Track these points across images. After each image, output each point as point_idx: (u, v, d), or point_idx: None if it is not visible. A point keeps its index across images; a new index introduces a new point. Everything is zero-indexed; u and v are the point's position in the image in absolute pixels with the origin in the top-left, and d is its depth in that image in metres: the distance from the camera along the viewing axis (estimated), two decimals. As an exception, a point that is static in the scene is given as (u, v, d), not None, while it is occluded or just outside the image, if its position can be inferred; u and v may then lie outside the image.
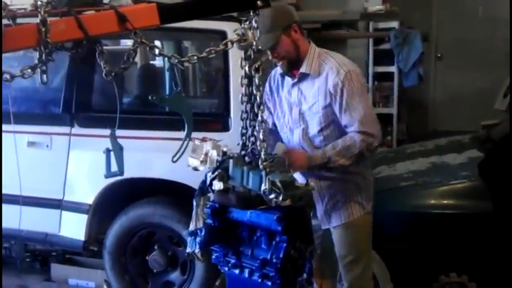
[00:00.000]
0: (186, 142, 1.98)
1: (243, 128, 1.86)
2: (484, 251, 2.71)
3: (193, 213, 2.06)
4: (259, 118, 1.77)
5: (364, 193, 2.37)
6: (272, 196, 1.68)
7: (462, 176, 2.95)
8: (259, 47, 2.15)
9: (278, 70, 2.42)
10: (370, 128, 2.21)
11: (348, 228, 2.35)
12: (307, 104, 2.30)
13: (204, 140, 2.90)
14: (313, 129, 2.29)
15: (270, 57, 2.26)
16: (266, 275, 1.76)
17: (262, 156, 1.74)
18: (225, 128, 3.05)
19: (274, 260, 1.74)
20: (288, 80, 2.36)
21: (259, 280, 1.78)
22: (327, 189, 2.34)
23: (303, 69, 2.28)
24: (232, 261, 1.86)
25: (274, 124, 2.47)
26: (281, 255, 1.72)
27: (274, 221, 1.72)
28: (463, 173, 2.99)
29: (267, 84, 2.45)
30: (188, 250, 2.07)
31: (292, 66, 2.30)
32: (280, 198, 1.67)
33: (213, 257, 1.93)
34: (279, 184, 1.67)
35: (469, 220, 2.77)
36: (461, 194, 2.87)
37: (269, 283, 1.75)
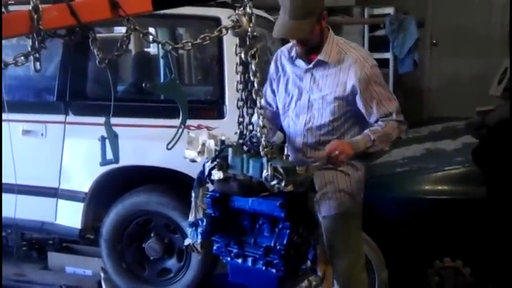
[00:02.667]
0: (181, 129, 1.98)
1: (239, 116, 1.85)
2: (478, 237, 2.73)
3: (193, 204, 2.05)
4: (258, 104, 1.76)
5: (354, 183, 2.34)
6: (274, 182, 1.68)
7: (456, 162, 2.96)
8: (289, 36, 2.14)
9: (285, 51, 2.34)
10: (402, 117, 2.24)
11: (337, 219, 2.33)
12: (319, 93, 2.23)
13: (199, 127, 2.92)
14: (324, 118, 2.23)
15: (294, 42, 2.20)
16: (270, 263, 1.76)
17: (263, 142, 1.74)
18: (220, 115, 3.04)
19: (277, 247, 1.73)
20: (300, 64, 2.28)
21: (263, 268, 1.77)
22: (317, 179, 2.27)
23: (321, 57, 2.20)
24: (235, 250, 1.85)
25: (277, 107, 2.41)
26: (285, 242, 1.72)
27: (277, 207, 1.72)
28: (457, 158, 3.00)
29: (272, 64, 2.39)
30: (187, 242, 2.04)
31: (310, 51, 2.22)
32: (283, 184, 1.67)
33: (215, 247, 1.92)
34: (281, 170, 1.67)
35: (464, 206, 2.78)
36: (456, 180, 2.88)
37: (273, 270, 1.75)
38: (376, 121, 2.22)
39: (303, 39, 2.16)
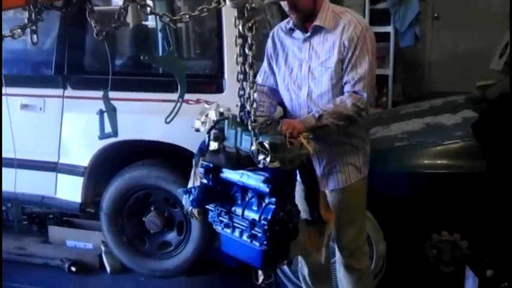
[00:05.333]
0: (179, 103, 1.98)
1: (240, 89, 1.84)
2: (477, 210, 2.75)
3: (192, 172, 2.07)
4: (251, 78, 1.76)
5: (362, 156, 2.36)
6: (260, 157, 1.68)
7: (456, 136, 2.96)
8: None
9: (282, 26, 2.34)
10: (363, 90, 2.16)
11: (344, 193, 2.35)
12: (318, 60, 2.23)
13: (198, 101, 2.92)
14: (324, 86, 2.22)
15: (287, 8, 2.17)
16: (254, 236, 1.77)
17: (252, 117, 1.73)
18: (219, 89, 3.02)
19: (261, 222, 1.74)
20: (298, 35, 2.28)
21: (249, 241, 1.79)
22: (325, 152, 2.31)
23: (317, 22, 2.20)
24: (225, 221, 1.87)
25: (276, 83, 2.40)
26: (269, 217, 1.73)
27: (262, 183, 1.73)
28: (457, 133, 2.99)
29: (269, 40, 2.38)
30: (185, 208, 2.09)
31: (306, 19, 2.22)
32: (268, 159, 1.67)
33: (209, 216, 1.95)
34: (267, 145, 1.67)
35: (462, 180, 2.79)
36: (455, 154, 2.88)
37: (257, 244, 1.77)
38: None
39: (298, 7, 2.16)
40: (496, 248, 2.68)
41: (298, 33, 2.28)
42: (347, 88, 2.20)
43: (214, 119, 1.95)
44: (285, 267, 2.94)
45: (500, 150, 2.63)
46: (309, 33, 2.24)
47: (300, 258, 2.58)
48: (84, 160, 3.25)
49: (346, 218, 2.38)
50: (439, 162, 2.92)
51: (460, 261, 2.81)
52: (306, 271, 2.60)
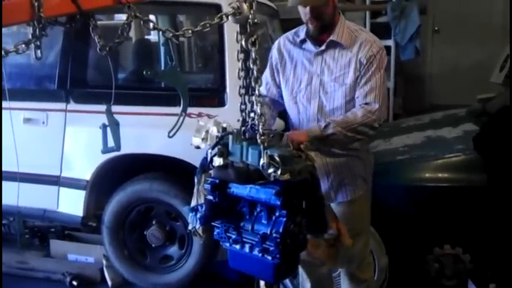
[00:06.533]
0: (182, 117, 1.99)
1: (241, 103, 1.85)
2: (478, 224, 2.75)
3: (195, 189, 2.07)
4: (257, 92, 1.77)
5: (368, 167, 2.37)
6: (270, 170, 1.69)
7: (457, 150, 2.96)
8: (308, 2, 2.12)
9: (289, 36, 2.34)
10: (375, 100, 2.16)
11: (352, 204, 2.34)
12: (331, 75, 2.23)
13: (200, 115, 2.93)
14: (337, 101, 2.22)
15: (308, 16, 2.17)
16: (266, 250, 1.77)
17: (260, 130, 1.75)
18: (221, 103, 3.04)
19: (273, 235, 1.74)
20: (310, 47, 2.28)
21: (260, 255, 1.79)
22: (333, 165, 2.30)
23: (333, 37, 2.21)
24: (233, 236, 1.86)
25: (279, 94, 2.39)
26: (280, 230, 1.73)
27: (273, 196, 1.73)
28: (458, 146, 3.00)
29: (274, 51, 2.37)
30: (190, 227, 2.08)
31: (323, 30, 2.22)
32: (279, 172, 1.68)
33: (215, 233, 1.94)
34: (277, 158, 1.68)
35: (464, 193, 2.79)
36: (456, 167, 2.89)
37: (269, 258, 1.77)
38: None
39: (319, 13, 2.17)
40: (498, 262, 2.67)
41: (309, 46, 2.28)
42: (359, 101, 2.20)
43: (217, 134, 1.95)
44: (287, 281, 2.93)
45: (502, 163, 2.63)
46: (323, 47, 2.24)
47: (300, 271, 2.57)
48: (86, 174, 3.26)
49: (354, 229, 2.36)
50: (440, 175, 2.92)
51: (462, 275, 2.80)
52: (308, 285, 2.59)
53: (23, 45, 1.58)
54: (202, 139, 2.01)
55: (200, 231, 2.03)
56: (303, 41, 2.29)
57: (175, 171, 3.17)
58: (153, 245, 3.31)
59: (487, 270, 2.66)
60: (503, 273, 2.54)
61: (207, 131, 2.00)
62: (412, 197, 2.87)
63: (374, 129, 2.16)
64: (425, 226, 2.82)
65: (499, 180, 2.63)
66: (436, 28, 6.83)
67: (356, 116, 2.13)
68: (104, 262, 3.50)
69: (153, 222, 3.30)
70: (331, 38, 2.22)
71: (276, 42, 2.41)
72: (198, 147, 2.05)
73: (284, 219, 1.74)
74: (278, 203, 1.73)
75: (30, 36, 1.58)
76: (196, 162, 2.08)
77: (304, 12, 2.19)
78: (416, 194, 2.86)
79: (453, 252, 2.82)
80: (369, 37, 2.24)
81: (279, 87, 2.39)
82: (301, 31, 2.30)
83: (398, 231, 2.84)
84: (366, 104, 2.17)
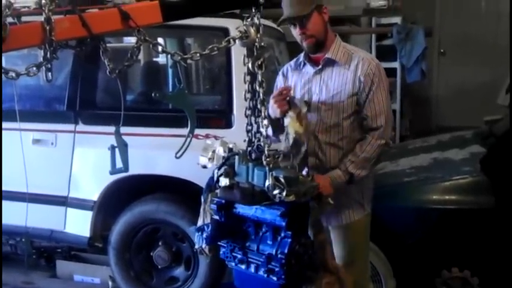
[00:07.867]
0: (189, 139, 2.01)
1: (248, 124, 1.87)
2: (487, 246, 2.72)
3: (201, 209, 2.08)
4: (263, 114, 1.79)
5: (366, 193, 2.35)
6: (276, 192, 1.70)
7: (464, 172, 2.95)
8: (290, 15, 2.18)
9: (292, 63, 2.40)
10: (383, 123, 2.22)
11: (347, 230, 2.33)
12: (329, 93, 2.26)
13: (207, 136, 2.95)
14: (334, 119, 2.25)
15: (299, 33, 2.21)
16: (271, 270, 1.78)
17: (266, 152, 1.76)
18: (228, 124, 3.06)
19: (279, 256, 1.75)
20: (308, 69, 2.33)
21: (265, 275, 1.79)
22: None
23: (329, 55, 2.26)
24: (239, 256, 1.87)
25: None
26: (286, 251, 1.74)
27: (278, 217, 1.74)
28: (465, 168, 2.99)
29: (280, 77, 2.43)
30: (196, 246, 2.09)
31: (318, 48, 2.27)
32: (284, 193, 1.69)
33: (221, 252, 1.95)
34: (282, 180, 1.69)
35: (472, 215, 2.77)
36: (464, 190, 2.87)
37: (274, 278, 1.77)
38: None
39: (310, 31, 2.20)
40: (506, 285, 2.64)
41: (308, 67, 2.33)
42: (367, 123, 2.24)
43: (223, 155, 1.97)
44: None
45: (509, 185, 2.62)
46: (320, 66, 2.29)
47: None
48: (93, 194, 3.27)
49: (348, 256, 2.34)
50: (447, 197, 2.91)
51: (471, 299, 2.77)
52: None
53: (34, 68, 1.61)
54: (209, 159, 2.03)
55: (207, 250, 2.04)
56: (303, 64, 2.35)
57: (182, 192, 3.18)
58: (160, 266, 3.31)
59: (496, 293, 2.63)
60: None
61: (213, 151, 2.02)
62: (419, 219, 2.85)
63: (385, 152, 2.28)
64: (433, 249, 2.79)
65: (506, 202, 2.61)
66: (442, 50, 6.86)
67: (370, 151, 2.20)
68: (110, 283, 3.49)
69: (160, 243, 3.30)
70: (326, 55, 2.27)
71: (280, 71, 2.47)
72: (204, 167, 2.07)
73: (289, 240, 1.75)
74: (283, 224, 1.74)
75: (41, 59, 1.61)
76: (203, 183, 2.09)
77: (296, 33, 2.24)
78: (424, 216, 2.84)
79: (461, 275, 2.79)
80: (365, 56, 2.29)
81: None
82: (301, 56, 2.36)
83: (406, 254, 2.82)
84: (375, 128, 2.21)
